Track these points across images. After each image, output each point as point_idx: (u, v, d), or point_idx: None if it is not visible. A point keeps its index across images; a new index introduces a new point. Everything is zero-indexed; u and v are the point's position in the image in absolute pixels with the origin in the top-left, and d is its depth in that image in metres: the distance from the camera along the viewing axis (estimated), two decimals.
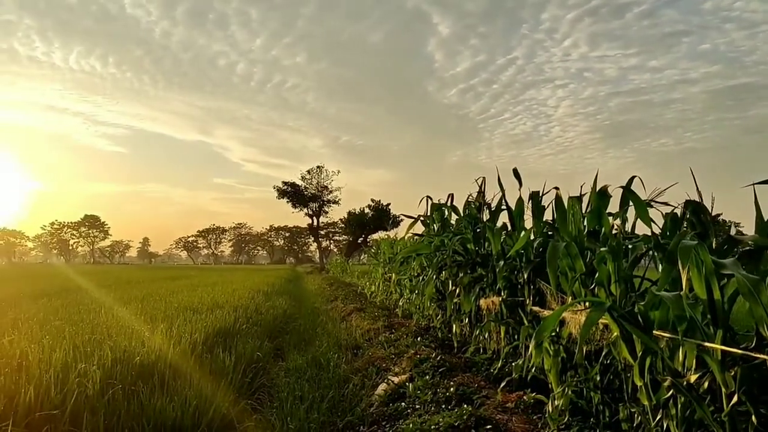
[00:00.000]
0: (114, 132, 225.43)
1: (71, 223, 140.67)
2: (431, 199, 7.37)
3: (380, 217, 61.10)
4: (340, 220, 75.17)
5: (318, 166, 66.79)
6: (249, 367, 6.08)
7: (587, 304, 3.14)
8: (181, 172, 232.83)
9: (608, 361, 3.39)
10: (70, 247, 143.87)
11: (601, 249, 3.43)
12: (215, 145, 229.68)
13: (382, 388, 5.14)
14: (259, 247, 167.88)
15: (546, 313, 4.03)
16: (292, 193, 64.82)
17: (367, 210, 62.45)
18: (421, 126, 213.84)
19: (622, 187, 3.71)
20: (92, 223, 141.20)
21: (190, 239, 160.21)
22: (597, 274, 3.50)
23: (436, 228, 7.31)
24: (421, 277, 8.25)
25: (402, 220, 55.36)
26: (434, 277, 7.09)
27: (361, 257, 60.56)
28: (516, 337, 4.89)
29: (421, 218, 7.54)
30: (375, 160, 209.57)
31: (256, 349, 6.93)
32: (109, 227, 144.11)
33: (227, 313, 9.22)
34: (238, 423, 4.63)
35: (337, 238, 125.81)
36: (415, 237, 8.71)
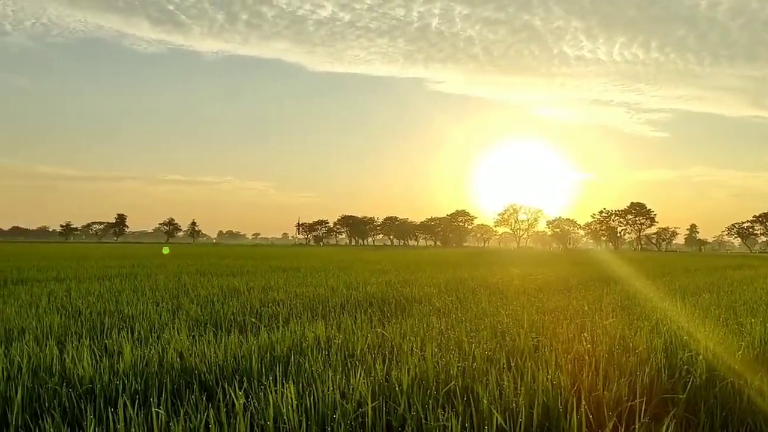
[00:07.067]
0: (657, 117, 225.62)
1: (618, 211, 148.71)
2: None
3: None
4: None
5: None
6: None
7: None
8: (729, 152, 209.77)
9: None
10: (618, 235, 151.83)
11: None
12: None
13: None
14: None
15: None
16: None
17: None
18: None
19: None
20: (638, 210, 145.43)
21: (744, 225, 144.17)
22: None
23: None
24: None
25: None
26: None
27: None
28: None
29: None
30: None
31: None
32: (655, 214, 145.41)
33: None
34: None
35: None
36: None
